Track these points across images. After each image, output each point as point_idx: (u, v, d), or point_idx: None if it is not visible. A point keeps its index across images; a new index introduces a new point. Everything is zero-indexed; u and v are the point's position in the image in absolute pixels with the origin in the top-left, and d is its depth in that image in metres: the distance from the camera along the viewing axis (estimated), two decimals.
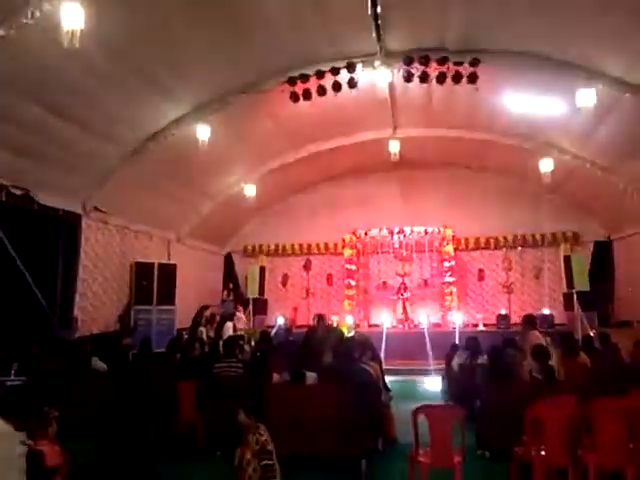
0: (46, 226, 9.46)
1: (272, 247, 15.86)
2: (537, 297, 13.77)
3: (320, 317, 8.60)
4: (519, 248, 14.39)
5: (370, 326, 14.36)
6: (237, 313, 12.45)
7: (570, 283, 12.67)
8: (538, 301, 13.66)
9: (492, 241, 14.60)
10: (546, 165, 11.00)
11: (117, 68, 7.56)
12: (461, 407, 4.81)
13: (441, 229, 14.56)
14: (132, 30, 6.99)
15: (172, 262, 12.29)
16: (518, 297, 14.05)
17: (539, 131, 10.71)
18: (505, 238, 14.50)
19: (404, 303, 14.22)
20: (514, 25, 7.57)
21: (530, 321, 7.49)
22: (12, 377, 7.31)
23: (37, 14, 5.90)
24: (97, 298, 10.29)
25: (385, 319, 13.48)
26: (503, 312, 13.30)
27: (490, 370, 5.94)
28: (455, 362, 7.60)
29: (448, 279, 14.26)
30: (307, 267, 15.28)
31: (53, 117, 7.73)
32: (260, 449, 3.15)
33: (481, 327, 13.27)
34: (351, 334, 10.39)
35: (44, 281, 9.27)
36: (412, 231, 14.70)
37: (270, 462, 3.15)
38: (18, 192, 8.36)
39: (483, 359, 6.91)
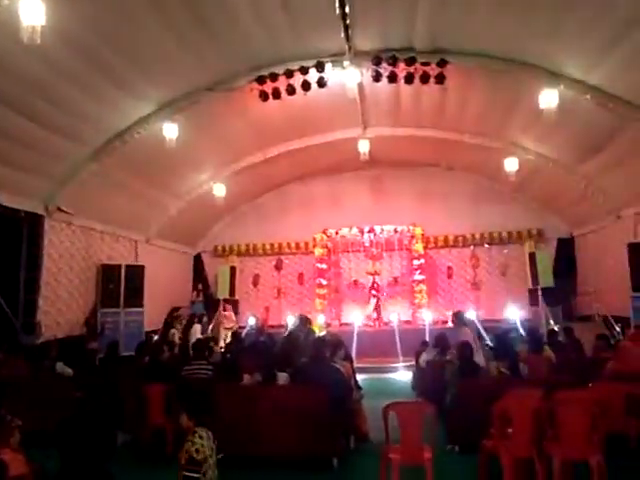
0: (7, 228, 9.15)
1: (242, 247, 15.75)
2: (503, 293, 14.06)
3: (303, 319, 8.32)
4: (486, 246, 14.69)
5: (341, 325, 14.42)
6: (225, 312, 12.19)
7: (535, 279, 13.01)
8: (504, 297, 13.95)
9: (460, 239, 14.88)
10: (511, 164, 11.25)
11: (81, 65, 7.36)
12: (430, 403, 4.87)
13: (411, 227, 14.74)
14: (96, 27, 6.81)
15: (140, 263, 12.05)
16: (485, 294, 14.36)
17: (504, 131, 10.95)
18: (473, 236, 14.80)
19: (376, 301, 14.33)
20: (479, 26, 7.69)
21: (460, 318, 7.75)
22: None
23: None
24: (62, 302, 10.01)
25: (356, 317, 13.55)
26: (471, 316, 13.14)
27: (458, 366, 6.05)
28: (423, 359, 7.70)
29: (418, 277, 14.45)
30: (278, 267, 15.24)
31: (13, 114, 7.48)
32: (188, 459, 2.91)
33: (450, 324, 13.46)
34: (322, 333, 10.40)
35: (6, 285, 8.98)
36: (382, 230, 14.84)
37: (193, 475, 2.87)
38: None
39: (453, 354, 7.03)
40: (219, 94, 9.30)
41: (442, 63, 8.45)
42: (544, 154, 11.19)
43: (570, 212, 13.52)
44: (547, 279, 12.80)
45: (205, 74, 8.92)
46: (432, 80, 8.71)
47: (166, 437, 5.47)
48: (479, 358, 6.13)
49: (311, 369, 5.49)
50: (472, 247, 14.65)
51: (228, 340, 9.79)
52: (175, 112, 9.26)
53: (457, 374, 5.80)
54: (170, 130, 9.00)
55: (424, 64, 8.58)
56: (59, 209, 9.74)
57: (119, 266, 11.30)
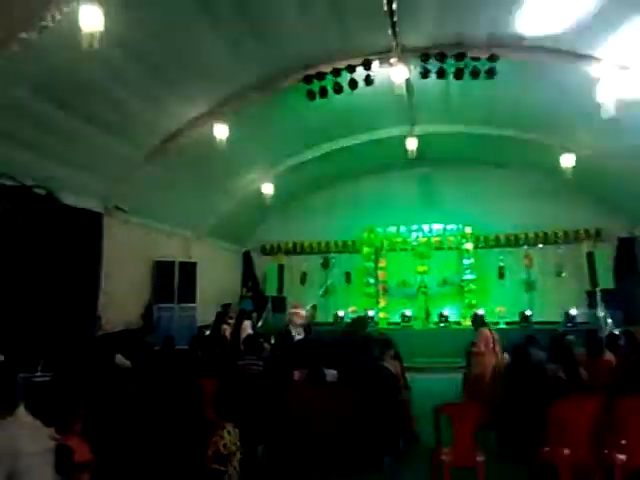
0: (69, 225, 9.62)
1: (290, 245, 15.92)
2: (559, 295, 13.53)
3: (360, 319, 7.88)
4: (540, 245, 14.18)
5: (389, 324, 14.32)
6: (295, 309, 11.96)
7: (593, 280, 12.45)
8: (560, 298, 13.42)
9: (512, 238, 14.45)
10: (567, 160, 10.81)
11: (136, 69, 7.67)
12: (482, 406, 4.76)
13: (460, 226, 14.44)
14: (149, 31, 7.07)
15: (192, 260, 12.41)
16: (540, 295, 13.84)
17: (560, 126, 10.54)
18: (526, 235, 14.33)
19: (424, 301, 14.14)
20: (532, 18, 7.45)
21: (480, 319, 7.95)
22: (39, 373, 7.48)
23: (57, 17, 6.01)
24: (120, 296, 10.43)
25: (405, 317, 13.42)
26: (527, 312, 13.01)
27: (510, 368, 5.88)
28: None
29: (468, 277, 14.16)
30: (325, 265, 15.30)
31: (72, 118, 7.86)
32: (215, 452, 2.99)
33: (502, 325, 13.12)
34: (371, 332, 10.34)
35: (68, 279, 9.45)
36: (431, 228, 14.62)
37: (221, 468, 2.96)
38: (41, 192, 8.53)
39: (505, 357, 6.86)
40: (267, 94, 9.45)
41: (493, 57, 8.23)
42: (603, 149, 10.68)
43: (632, 210, 12.83)
44: (606, 280, 12.22)
45: (253, 74, 9.08)
46: (483, 75, 8.50)
47: None
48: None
49: (359, 367, 5.49)
50: (525, 247, 14.18)
51: (300, 336, 9.69)
52: (225, 113, 9.46)
53: (510, 377, 5.64)
54: (220, 130, 9.19)
55: (474, 59, 8.39)
56: (117, 207, 10.17)
57: (172, 262, 11.68)
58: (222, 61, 8.36)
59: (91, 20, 5.66)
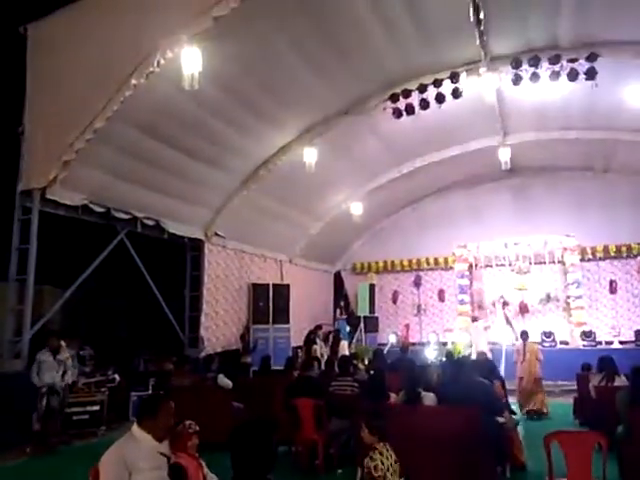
0: (174, 252, 10.40)
1: (381, 264, 15.80)
2: None
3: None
4: None
5: (488, 343, 13.61)
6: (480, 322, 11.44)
7: None
8: None
9: (624, 248, 13.22)
10: None
11: (229, 103, 8.17)
12: (600, 434, 4.35)
13: (563, 238, 13.50)
14: (242, 66, 7.53)
15: (285, 282, 12.75)
16: None
17: None
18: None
19: (524, 319, 13.31)
20: (635, 11, 6.92)
21: (522, 334, 9.07)
22: (150, 392, 8.04)
23: (162, 62, 6.60)
24: (219, 318, 10.98)
25: (504, 336, 12.69)
26: None
27: (630, 392, 5.33)
28: (590, 384, 6.92)
29: (574, 292, 13.14)
30: (417, 283, 15.00)
31: (176, 152, 8.53)
32: (367, 474, 3.02)
33: (616, 345, 11.99)
34: (467, 353, 9.93)
35: (174, 303, 10.16)
36: (529, 242, 13.81)
37: None
38: (150, 223, 9.31)
39: (622, 380, 6.25)
40: (353, 116, 9.58)
41: (592, 57, 7.73)
42: None
43: None
44: None
45: (339, 98, 9.27)
46: (581, 77, 7.99)
47: (317, 449, 5.63)
48: None
49: (457, 387, 5.23)
50: (639, 257, 12.91)
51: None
52: (313, 137, 9.74)
53: (631, 401, 5.12)
54: (310, 154, 9.44)
55: (571, 60, 7.93)
56: (216, 234, 10.78)
57: (267, 285, 12.11)
58: (309, 88, 8.64)
59: (191, 62, 6.15)
